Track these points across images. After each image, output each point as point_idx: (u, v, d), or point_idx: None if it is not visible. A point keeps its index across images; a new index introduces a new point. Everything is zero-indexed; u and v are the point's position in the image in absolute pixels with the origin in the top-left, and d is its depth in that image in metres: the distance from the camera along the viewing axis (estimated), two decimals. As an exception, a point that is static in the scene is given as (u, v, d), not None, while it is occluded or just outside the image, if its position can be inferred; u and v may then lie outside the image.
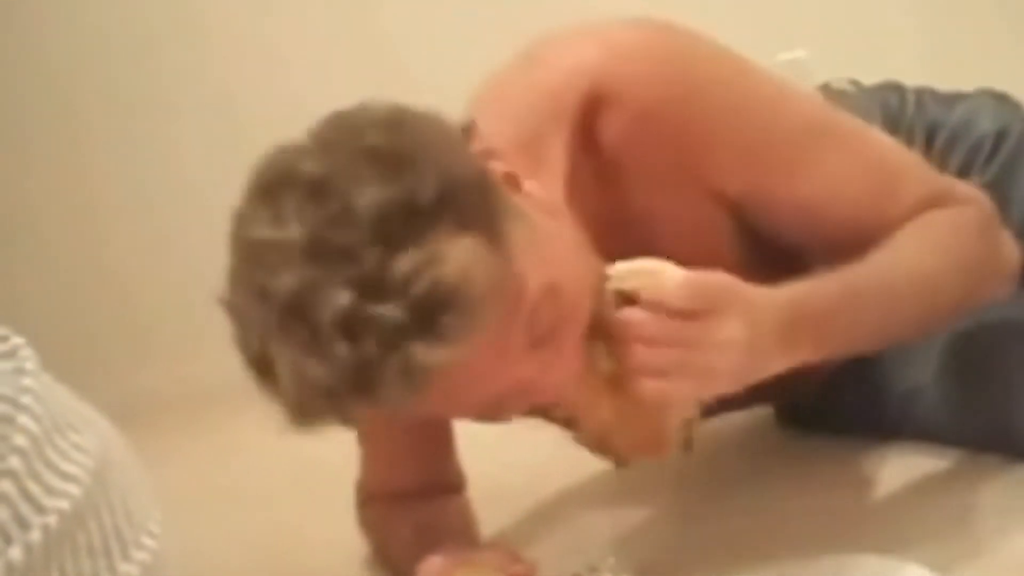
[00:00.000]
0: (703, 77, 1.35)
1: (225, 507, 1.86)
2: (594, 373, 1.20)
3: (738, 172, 1.35)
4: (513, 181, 1.19)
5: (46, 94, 2.68)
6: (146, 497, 0.60)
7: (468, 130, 1.18)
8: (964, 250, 1.35)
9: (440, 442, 1.51)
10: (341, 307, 1.03)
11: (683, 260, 1.26)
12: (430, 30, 2.58)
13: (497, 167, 1.17)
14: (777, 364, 1.22)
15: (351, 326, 1.03)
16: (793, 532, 1.37)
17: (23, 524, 0.53)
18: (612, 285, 1.18)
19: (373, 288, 1.03)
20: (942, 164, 1.54)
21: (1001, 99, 1.61)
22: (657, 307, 1.15)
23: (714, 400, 1.26)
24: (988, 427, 1.43)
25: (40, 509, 0.54)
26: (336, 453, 1.53)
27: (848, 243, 1.33)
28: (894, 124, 1.58)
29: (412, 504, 1.48)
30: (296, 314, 1.04)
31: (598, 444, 1.28)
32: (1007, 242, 1.40)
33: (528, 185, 1.21)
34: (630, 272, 1.19)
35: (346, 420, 1.14)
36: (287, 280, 1.04)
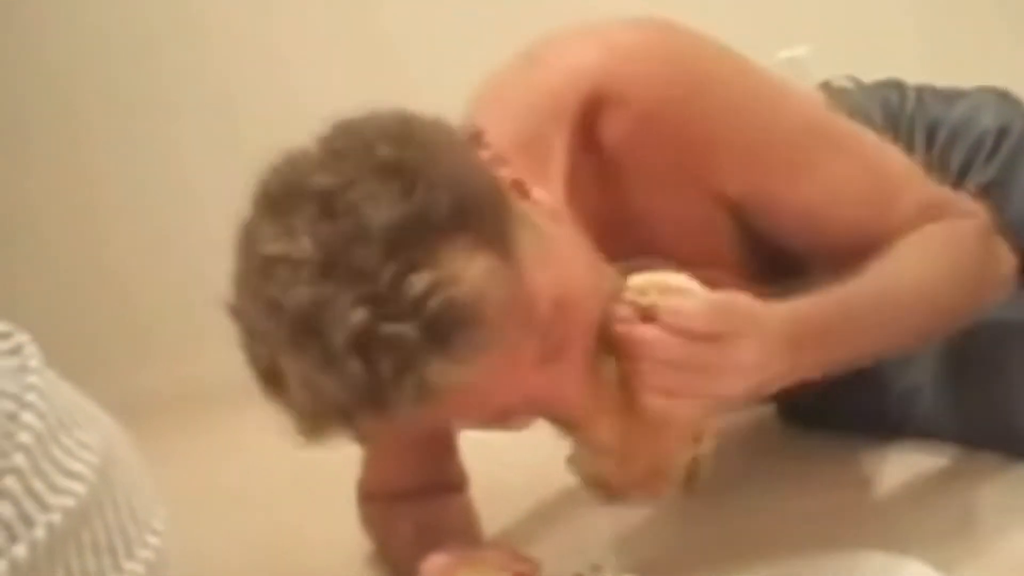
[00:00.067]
0: (704, 77, 1.34)
1: (225, 507, 1.86)
2: (600, 389, 1.19)
3: (738, 173, 1.35)
4: (521, 188, 1.18)
5: (46, 94, 2.68)
6: (150, 495, 0.60)
7: (475, 137, 1.18)
8: (962, 263, 1.35)
9: (442, 441, 1.51)
10: (355, 325, 1.02)
11: (683, 261, 1.26)
12: (430, 30, 2.58)
13: (505, 174, 1.17)
14: (780, 380, 1.22)
15: (365, 344, 1.03)
16: (794, 531, 1.37)
17: (28, 522, 0.53)
18: (629, 298, 1.17)
19: (387, 306, 1.02)
20: (943, 162, 1.55)
21: (1002, 96, 1.61)
22: (675, 327, 1.14)
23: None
24: (988, 426, 1.43)
25: (45, 507, 0.54)
26: (336, 453, 1.53)
27: (848, 246, 1.33)
28: (895, 121, 1.58)
29: (414, 503, 1.48)
30: (309, 330, 1.04)
31: (592, 468, 1.25)
32: (1004, 252, 1.40)
33: (536, 193, 1.20)
34: (648, 285, 1.17)
35: (357, 436, 1.14)
36: (300, 296, 1.04)
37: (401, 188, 1.05)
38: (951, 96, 1.62)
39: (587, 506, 1.38)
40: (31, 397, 0.56)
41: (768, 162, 1.35)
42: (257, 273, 1.08)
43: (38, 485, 0.54)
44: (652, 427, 1.20)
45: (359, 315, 1.02)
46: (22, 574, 0.51)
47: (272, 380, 1.09)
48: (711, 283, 1.19)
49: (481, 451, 1.50)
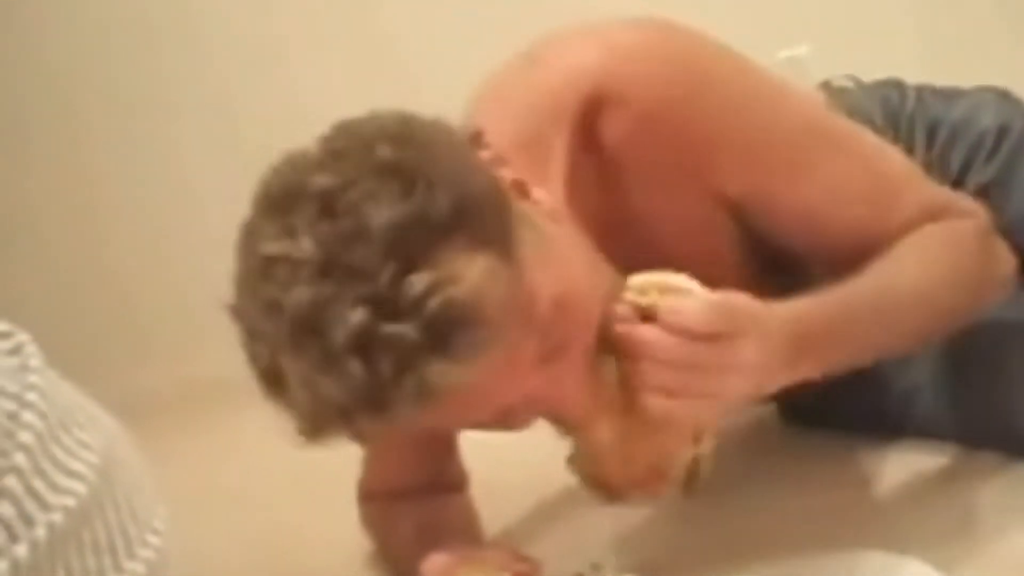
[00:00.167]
0: (704, 77, 1.34)
1: (225, 507, 1.86)
2: (600, 389, 1.19)
3: (738, 172, 1.34)
4: (521, 188, 1.18)
5: (46, 94, 2.68)
6: (151, 494, 0.60)
7: (475, 137, 1.18)
8: (962, 264, 1.35)
9: (443, 441, 1.51)
10: (355, 325, 1.02)
11: (683, 261, 1.25)
12: (431, 31, 2.58)
13: (505, 174, 1.17)
14: (779, 382, 1.22)
15: (365, 345, 1.03)
16: (794, 530, 1.37)
17: (29, 521, 0.53)
18: (629, 298, 1.17)
19: (387, 307, 1.02)
20: (943, 161, 1.55)
21: (1002, 96, 1.61)
22: (675, 327, 1.14)
23: None
24: (988, 425, 1.43)
25: (46, 506, 0.54)
26: (336, 453, 1.53)
27: (847, 246, 1.33)
28: (895, 121, 1.58)
29: (414, 502, 1.48)
30: (309, 331, 1.04)
31: (592, 468, 1.25)
32: (1003, 252, 1.40)
33: (536, 193, 1.20)
34: (648, 285, 1.17)
35: (357, 436, 1.14)
36: (300, 296, 1.04)
37: (401, 188, 1.05)
38: (951, 95, 1.62)
39: (587, 505, 1.38)
40: (32, 396, 0.56)
41: (768, 162, 1.35)
42: (257, 273, 1.08)
43: (39, 485, 0.54)
44: (652, 427, 1.20)
45: (359, 315, 1.02)
46: (23, 574, 0.51)
47: (272, 380, 1.09)
48: (711, 283, 1.19)
49: (481, 450, 1.50)
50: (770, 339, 1.16)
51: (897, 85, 1.64)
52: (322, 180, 1.06)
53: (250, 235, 1.09)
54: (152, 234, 2.72)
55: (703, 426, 1.24)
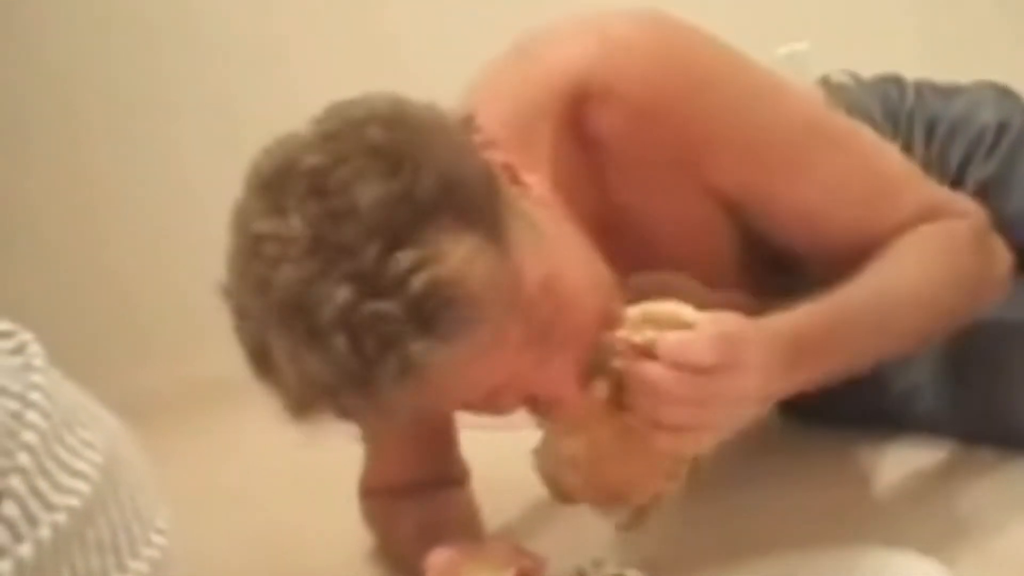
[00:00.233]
0: (700, 73, 1.34)
1: (225, 507, 1.86)
2: (587, 404, 1.19)
3: (736, 169, 1.34)
4: (512, 172, 1.19)
5: (46, 94, 2.68)
6: (154, 493, 0.60)
7: (467, 121, 1.18)
8: (959, 266, 1.35)
9: (443, 435, 1.51)
10: (340, 302, 1.03)
11: (682, 261, 1.26)
12: (431, 31, 2.58)
13: (496, 157, 1.17)
14: (777, 396, 1.22)
15: (350, 322, 1.03)
16: (794, 527, 1.37)
17: (33, 521, 0.53)
18: (626, 334, 1.16)
19: (372, 284, 1.03)
20: (942, 157, 1.55)
21: (1001, 92, 1.61)
22: (678, 363, 1.13)
23: None
24: (989, 425, 1.44)
25: (50, 506, 0.54)
26: (337, 452, 1.53)
27: (845, 245, 1.33)
28: (894, 116, 1.58)
29: (416, 498, 1.48)
30: (295, 308, 1.05)
31: (554, 470, 1.24)
32: (1001, 251, 1.40)
33: (526, 177, 1.21)
34: (644, 318, 1.16)
35: (344, 414, 1.14)
36: (287, 274, 1.05)
37: (388, 167, 1.05)
38: (950, 91, 1.62)
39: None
40: (35, 396, 0.56)
41: (765, 160, 1.35)
42: (247, 251, 1.08)
43: (43, 485, 0.54)
44: (629, 456, 1.20)
45: (344, 292, 1.03)
46: (27, 573, 0.51)
47: (261, 358, 1.09)
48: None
49: (482, 445, 1.50)
50: (770, 362, 1.16)
51: (896, 81, 1.64)
52: (312, 160, 1.07)
53: (241, 214, 1.10)
54: (152, 234, 2.72)
55: (679, 467, 1.23)
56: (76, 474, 0.55)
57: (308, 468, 1.87)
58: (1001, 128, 1.55)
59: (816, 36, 2.41)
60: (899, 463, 1.49)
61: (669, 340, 1.14)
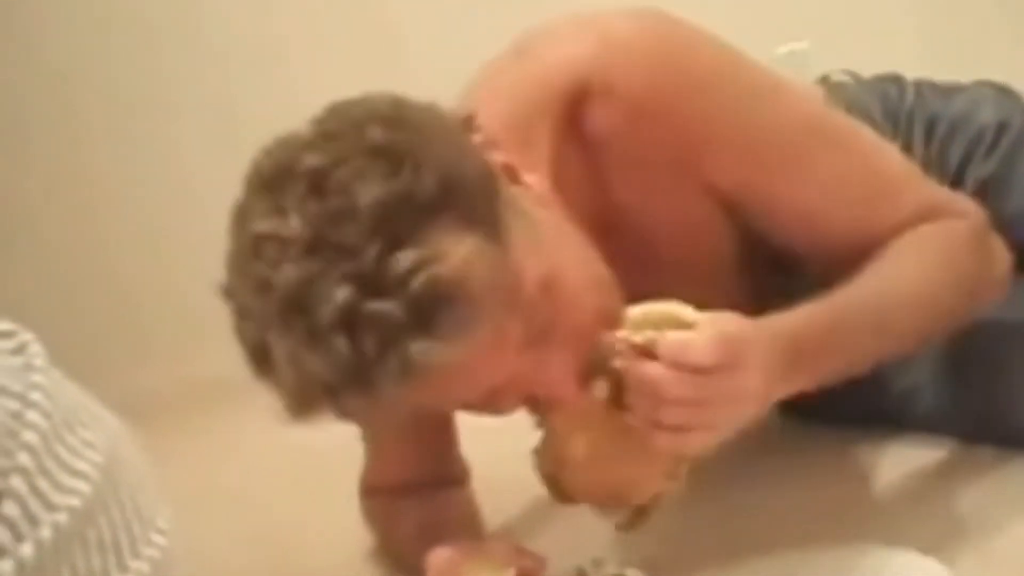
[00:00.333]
0: (700, 71, 1.34)
1: (225, 507, 1.86)
2: (586, 406, 1.19)
3: (736, 169, 1.34)
4: (512, 172, 1.19)
5: (46, 94, 2.68)
6: (154, 493, 0.60)
7: (468, 121, 1.18)
8: (958, 266, 1.34)
9: (443, 434, 1.51)
10: (340, 302, 1.03)
11: (682, 261, 1.25)
12: (432, 32, 2.58)
13: (497, 158, 1.17)
14: (777, 397, 1.22)
15: (350, 322, 1.03)
16: (793, 526, 1.37)
17: (33, 521, 0.53)
18: (626, 334, 1.16)
19: (372, 284, 1.03)
20: (942, 156, 1.54)
21: (1001, 91, 1.61)
22: (679, 363, 1.13)
23: None
24: (989, 425, 1.44)
25: (50, 506, 0.54)
26: (337, 451, 1.54)
27: (845, 245, 1.33)
28: (893, 116, 1.58)
29: (416, 497, 1.48)
30: (296, 308, 1.05)
31: (553, 470, 1.24)
32: (1000, 251, 1.40)
33: (527, 177, 1.21)
34: (644, 318, 1.17)
35: (343, 414, 1.14)
36: (288, 274, 1.05)
37: (388, 168, 1.05)
38: (950, 90, 1.62)
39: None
40: (36, 396, 0.55)
41: (764, 159, 1.35)
42: (247, 251, 1.09)
43: (43, 484, 0.54)
44: (629, 458, 1.20)
45: (344, 292, 1.03)
46: (28, 574, 0.51)
47: (261, 358, 1.09)
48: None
49: (482, 444, 1.50)
50: (770, 363, 1.16)
51: (896, 80, 1.64)
52: (312, 160, 1.07)
53: (241, 214, 1.10)
54: (152, 234, 2.72)
55: (680, 467, 1.23)
56: (77, 474, 0.55)
57: (308, 468, 1.87)
58: (1001, 127, 1.55)
59: (816, 36, 2.41)
60: (899, 463, 1.49)
61: (669, 340, 1.14)
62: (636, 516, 1.25)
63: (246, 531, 1.76)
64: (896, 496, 1.44)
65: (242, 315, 1.10)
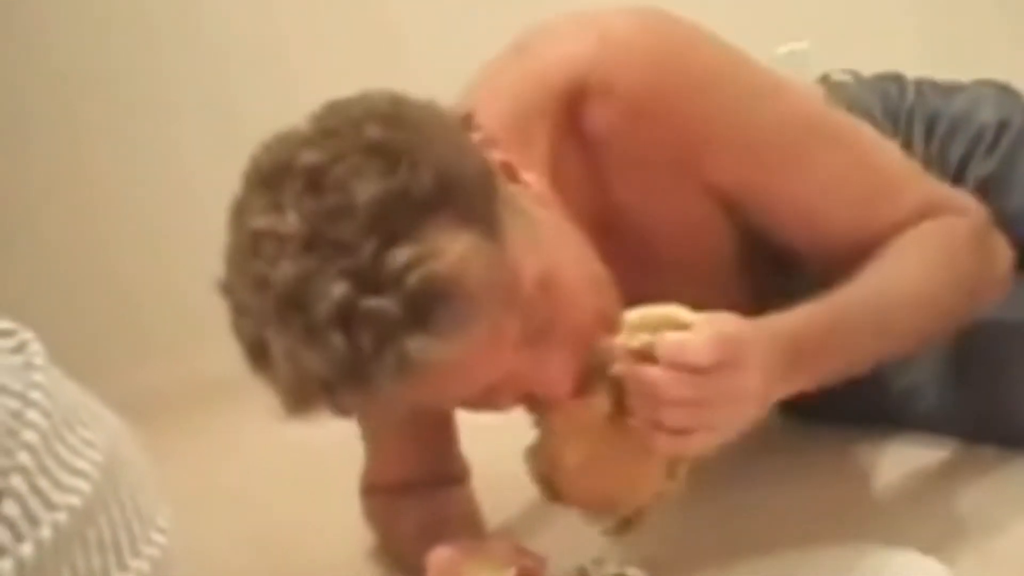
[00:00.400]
0: (701, 70, 1.34)
1: (225, 507, 1.86)
2: (586, 411, 1.19)
3: (736, 168, 1.34)
4: (510, 171, 1.19)
5: (46, 94, 2.68)
6: (155, 492, 0.60)
7: (467, 119, 1.18)
8: (959, 264, 1.34)
9: (443, 433, 1.51)
10: (337, 299, 1.03)
11: (682, 260, 1.25)
12: (432, 30, 2.58)
13: (495, 156, 1.17)
14: (777, 397, 1.22)
15: (346, 318, 1.03)
16: (794, 525, 1.37)
17: (33, 521, 0.53)
18: (623, 340, 1.16)
19: (368, 280, 1.03)
20: (942, 155, 1.54)
21: (1002, 90, 1.61)
22: (678, 364, 1.13)
23: None
24: (991, 425, 1.43)
25: (50, 505, 0.54)
26: (337, 450, 1.54)
27: (845, 244, 1.33)
28: (894, 114, 1.58)
29: (416, 495, 1.48)
30: (293, 305, 1.05)
31: (547, 471, 1.24)
32: (1001, 249, 1.40)
33: (525, 176, 1.21)
34: (642, 322, 1.16)
35: (340, 410, 1.14)
36: (285, 270, 1.05)
37: (385, 165, 1.06)
38: (950, 89, 1.62)
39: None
40: (36, 395, 0.55)
41: (764, 158, 1.35)
42: (245, 248, 1.09)
43: (43, 483, 0.54)
44: (625, 465, 1.20)
45: (340, 289, 1.03)
46: (28, 573, 0.51)
47: (258, 354, 1.09)
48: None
49: (483, 443, 1.50)
50: (769, 363, 1.16)
51: (896, 79, 1.64)
52: (310, 156, 1.07)
53: (239, 210, 1.10)
54: (152, 234, 2.72)
55: (678, 470, 1.22)
56: (77, 473, 0.55)
57: (308, 467, 1.87)
58: (1001, 126, 1.55)
59: (816, 35, 2.42)
60: (899, 463, 1.49)
61: (667, 341, 1.14)
62: (623, 524, 1.25)
63: (246, 531, 1.76)
64: (896, 496, 1.44)
65: (240, 311, 1.10)
